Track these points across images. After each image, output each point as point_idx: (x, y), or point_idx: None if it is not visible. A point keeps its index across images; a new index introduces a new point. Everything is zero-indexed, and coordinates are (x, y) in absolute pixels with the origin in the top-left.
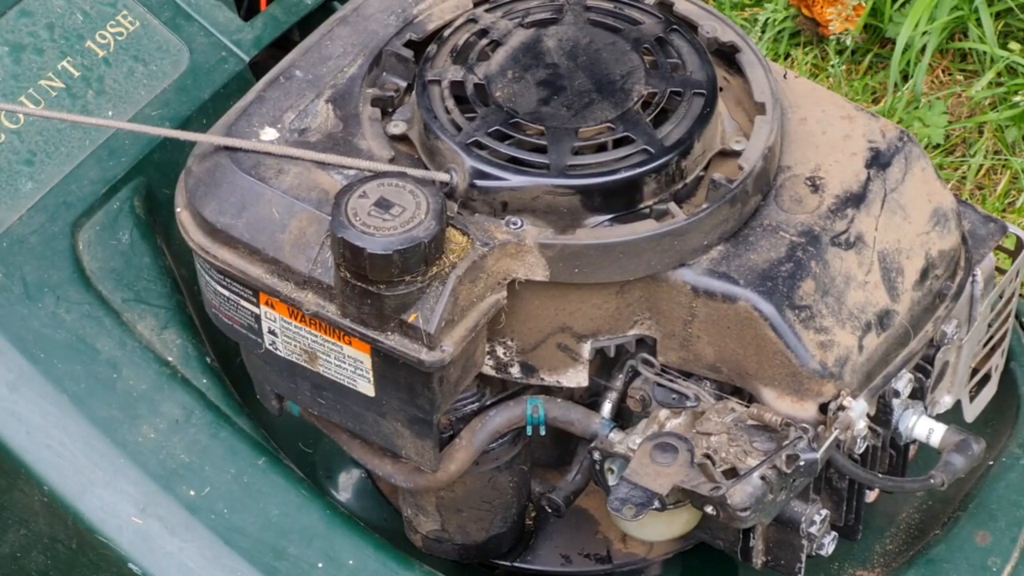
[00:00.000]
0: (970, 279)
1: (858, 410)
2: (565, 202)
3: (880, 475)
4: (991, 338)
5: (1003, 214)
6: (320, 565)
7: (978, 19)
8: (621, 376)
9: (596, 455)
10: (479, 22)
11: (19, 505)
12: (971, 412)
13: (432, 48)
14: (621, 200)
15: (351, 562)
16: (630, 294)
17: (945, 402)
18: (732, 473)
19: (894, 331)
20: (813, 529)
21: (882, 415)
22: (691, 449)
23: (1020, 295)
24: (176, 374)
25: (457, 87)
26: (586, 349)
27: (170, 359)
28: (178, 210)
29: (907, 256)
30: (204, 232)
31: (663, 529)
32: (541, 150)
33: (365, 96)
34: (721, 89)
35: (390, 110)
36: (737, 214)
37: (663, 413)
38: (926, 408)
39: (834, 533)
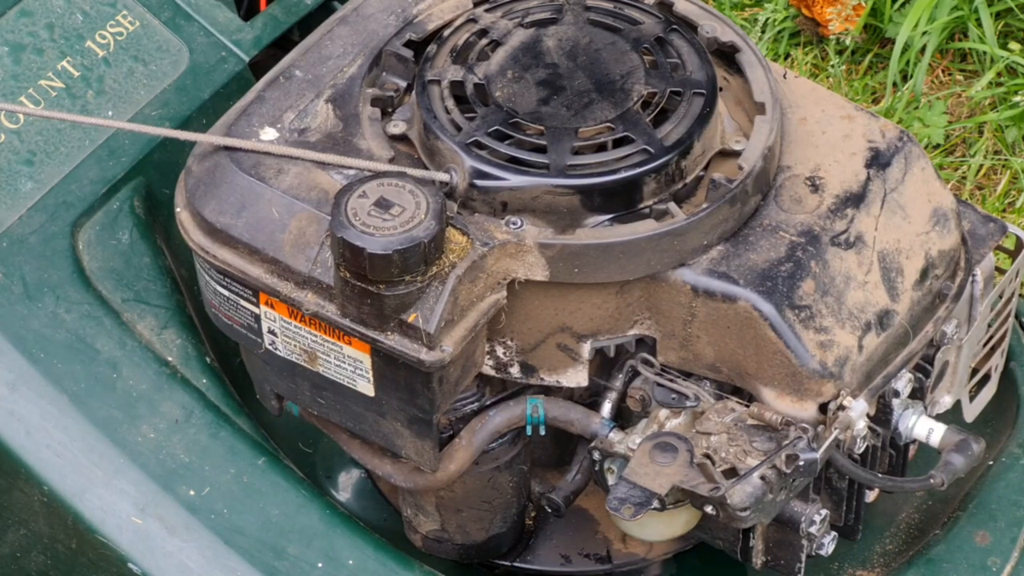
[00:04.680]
0: (970, 279)
1: (858, 410)
2: (565, 202)
3: (880, 475)
4: (991, 338)
5: (1003, 214)
6: (320, 565)
7: (978, 19)
8: (621, 376)
9: (596, 455)
10: (479, 22)
11: (19, 505)
12: (971, 412)
13: (432, 48)
14: (621, 200)
15: (351, 562)
16: (630, 294)
17: (945, 402)
18: (732, 473)
19: (894, 331)
20: (813, 529)
21: (882, 415)
22: (691, 449)
23: (1020, 295)
24: (176, 374)
25: (457, 87)
26: (586, 349)
27: (170, 359)
28: (178, 210)
29: (907, 256)
30: (204, 232)
31: (663, 529)
32: (541, 150)
33: (365, 96)
34: (721, 89)
35: (390, 110)
36: (737, 214)
37: (663, 413)
38: (926, 408)
39: (834, 533)
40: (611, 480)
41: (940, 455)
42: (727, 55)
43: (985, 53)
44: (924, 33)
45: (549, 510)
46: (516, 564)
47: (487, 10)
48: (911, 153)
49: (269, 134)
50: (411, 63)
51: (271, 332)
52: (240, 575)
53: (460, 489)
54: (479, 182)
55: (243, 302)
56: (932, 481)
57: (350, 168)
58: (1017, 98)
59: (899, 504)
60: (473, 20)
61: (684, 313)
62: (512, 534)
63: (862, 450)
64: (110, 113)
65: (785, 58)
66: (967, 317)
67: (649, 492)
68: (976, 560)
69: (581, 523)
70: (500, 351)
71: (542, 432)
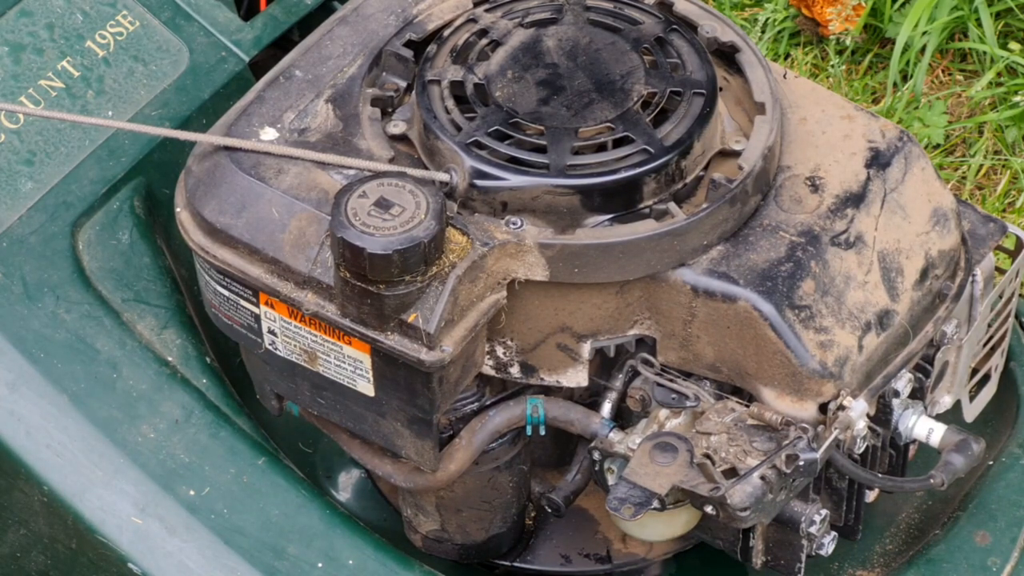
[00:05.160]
0: (970, 279)
1: (858, 410)
2: (565, 202)
3: (880, 475)
4: (991, 338)
5: (1003, 214)
6: (320, 565)
7: (978, 19)
8: (621, 376)
9: (596, 455)
10: (479, 22)
11: (19, 505)
12: (971, 412)
13: (432, 48)
14: (621, 200)
15: (351, 562)
16: (630, 294)
17: (945, 402)
18: (732, 473)
19: (894, 331)
20: (813, 529)
21: (882, 415)
22: (691, 449)
23: (1020, 295)
24: (176, 374)
25: (457, 87)
26: (586, 349)
27: (170, 359)
28: (178, 210)
29: (907, 256)
30: (204, 232)
31: (663, 529)
32: (541, 150)
33: (365, 96)
34: (721, 89)
35: (390, 110)
36: (737, 214)
37: (663, 413)
38: (926, 408)
39: (834, 533)
40: (611, 480)
41: (940, 455)
42: (727, 55)
43: (985, 53)
44: (924, 33)
45: (549, 510)
46: (516, 564)
47: (487, 10)
48: (911, 153)
49: (269, 134)
50: (411, 63)
51: (271, 332)
52: (240, 575)
53: (460, 489)
54: (479, 182)
55: (243, 302)
56: (932, 481)
57: (350, 168)
58: (1017, 98)
59: (899, 504)
60: (473, 20)
61: (684, 313)
62: (512, 534)
63: (862, 450)
64: (110, 113)
65: (785, 58)
66: (967, 317)
67: (649, 492)
68: (976, 560)
69: (581, 523)
70: (500, 351)
71: (542, 432)
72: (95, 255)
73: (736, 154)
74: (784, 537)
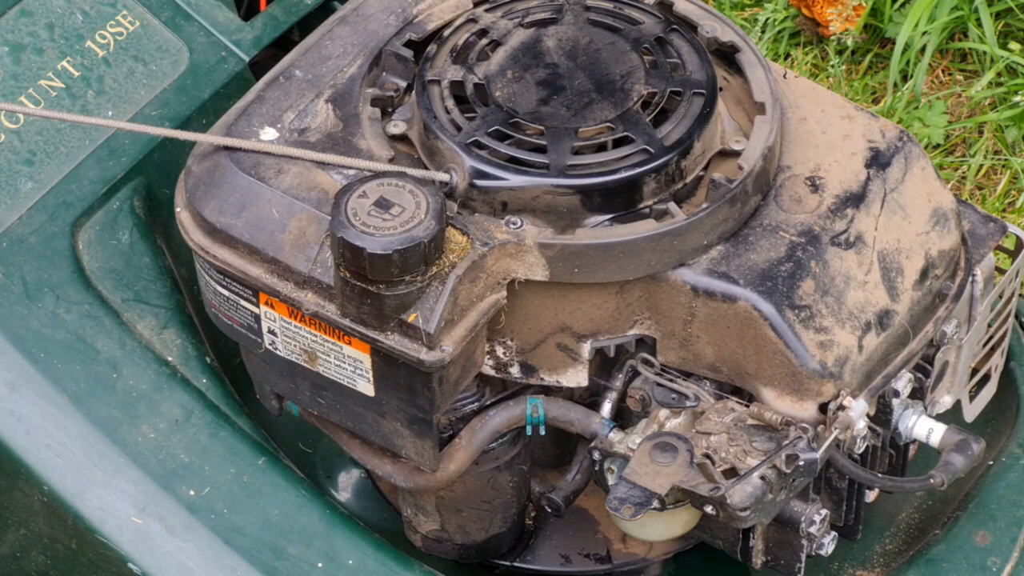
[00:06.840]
0: (970, 279)
1: (858, 410)
2: (565, 202)
3: (880, 475)
4: (991, 338)
5: (1003, 214)
6: (320, 565)
7: (978, 19)
8: (621, 376)
9: (596, 455)
10: (479, 22)
11: (19, 505)
12: (971, 412)
13: (432, 48)
14: (621, 200)
15: (351, 562)
16: (630, 294)
17: (945, 402)
18: (732, 473)
19: (894, 331)
20: (813, 529)
21: (882, 415)
22: (691, 449)
23: (1020, 295)
24: (176, 374)
25: (457, 87)
26: (586, 349)
27: (170, 359)
28: (178, 210)
29: (907, 256)
30: (204, 232)
31: (663, 529)
32: (541, 150)
33: (365, 96)
34: (721, 89)
35: (390, 110)
36: (737, 214)
37: (663, 413)
38: (926, 408)
39: (834, 533)
40: (611, 480)
41: (940, 455)
42: (727, 55)
43: (985, 53)
44: (924, 33)
45: (549, 510)
46: (516, 564)
47: (487, 10)
48: (911, 153)
49: (269, 134)
50: (411, 63)
51: (271, 332)
52: (240, 575)
53: (460, 489)
54: (479, 182)
55: (243, 302)
56: (932, 481)
57: (350, 168)
58: (1017, 98)
59: (899, 504)
60: (473, 20)
61: (684, 313)
62: (512, 534)
63: (862, 450)
64: (110, 113)
65: (785, 58)
66: (967, 317)
67: (649, 492)
68: (976, 560)
69: (581, 523)
70: (500, 351)
71: (542, 432)
72: (95, 255)
73: (736, 154)
74: (784, 537)
